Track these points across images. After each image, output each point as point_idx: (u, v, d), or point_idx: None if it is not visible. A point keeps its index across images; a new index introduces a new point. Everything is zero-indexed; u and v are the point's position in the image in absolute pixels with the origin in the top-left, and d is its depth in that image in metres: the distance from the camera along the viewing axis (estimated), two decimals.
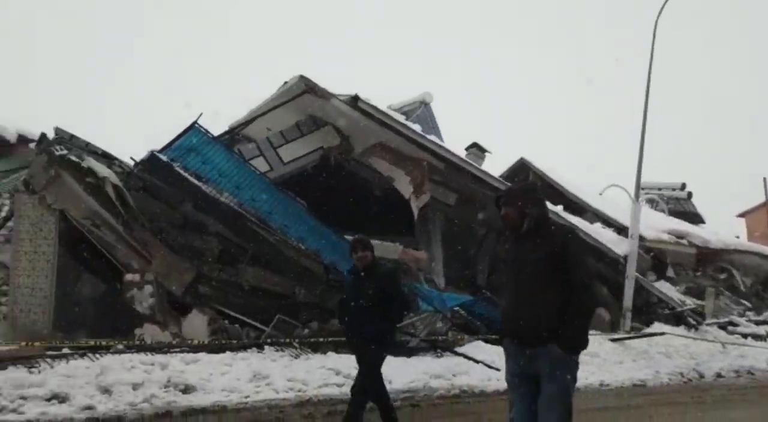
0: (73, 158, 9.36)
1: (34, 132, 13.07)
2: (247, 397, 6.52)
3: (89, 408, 5.66)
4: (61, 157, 9.24)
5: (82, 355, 7.40)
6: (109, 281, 10.37)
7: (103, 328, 10.10)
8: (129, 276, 9.64)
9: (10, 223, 10.82)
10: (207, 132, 9.75)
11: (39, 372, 6.51)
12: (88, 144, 10.31)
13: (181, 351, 8.27)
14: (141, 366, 6.67)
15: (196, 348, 8.45)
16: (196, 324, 9.26)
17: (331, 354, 8.60)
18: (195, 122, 9.70)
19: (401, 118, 12.42)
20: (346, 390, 7.13)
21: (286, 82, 11.16)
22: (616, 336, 11.02)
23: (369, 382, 5.11)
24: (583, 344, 3.64)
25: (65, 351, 7.64)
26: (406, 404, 6.49)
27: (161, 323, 9.56)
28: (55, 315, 9.63)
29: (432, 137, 12.95)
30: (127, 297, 9.58)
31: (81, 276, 10.16)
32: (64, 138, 10.10)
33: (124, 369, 6.49)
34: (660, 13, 14.44)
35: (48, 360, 6.96)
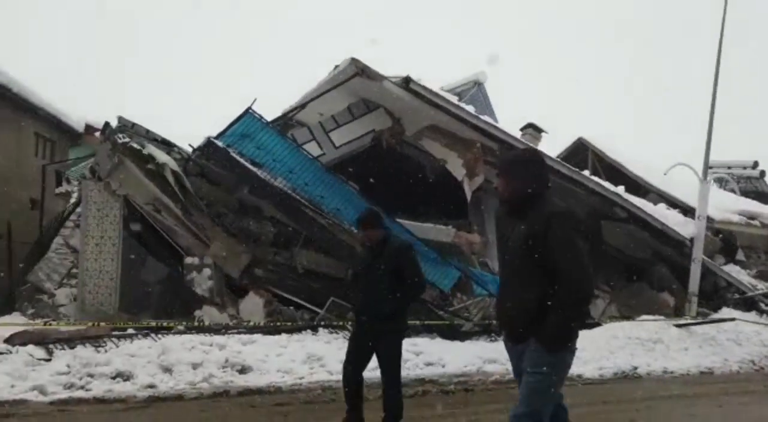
0: (135, 145, 9.68)
1: (99, 120, 13.60)
2: (301, 378, 6.62)
3: (151, 386, 5.88)
4: (123, 145, 9.56)
5: (145, 336, 7.70)
6: (171, 264, 10.74)
7: (165, 310, 10.52)
8: (188, 260, 9.94)
9: (78, 209, 11.35)
10: (261, 117, 9.85)
11: (105, 351, 6.80)
12: (148, 131, 10.63)
13: (238, 333, 8.49)
14: (200, 346, 6.87)
15: (252, 330, 8.65)
16: (253, 306, 9.47)
17: None
18: (249, 108, 9.82)
19: (454, 99, 12.20)
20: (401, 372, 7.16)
21: (337, 66, 11.13)
22: (681, 321, 10.55)
23: (398, 374, 4.87)
24: (564, 340, 3.08)
25: (130, 331, 7.99)
26: (460, 388, 6.42)
27: (219, 305, 9.84)
28: (120, 297, 10.07)
29: (485, 118, 12.67)
30: (187, 280, 9.89)
31: (145, 260, 10.54)
32: (126, 126, 10.44)
33: (184, 349, 6.70)
34: None
35: (114, 339, 7.27)
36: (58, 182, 15.32)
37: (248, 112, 9.77)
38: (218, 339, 7.24)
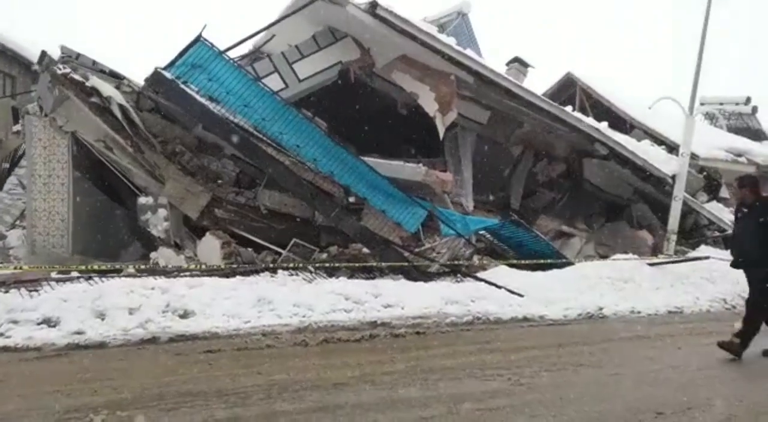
0: (77, 77, 8.98)
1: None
2: (247, 322, 6.29)
3: (79, 333, 5.53)
4: (63, 76, 8.87)
5: (88, 279, 7.32)
6: (128, 205, 10.27)
7: (123, 252, 10.14)
8: (142, 200, 9.45)
9: None
10: (213, 46, 9.12)
11: (39, 295, 6.42)
12: (95, 62, 9.90)
13: (191, 276, 8.13)
14: (141, 290, 6.49)
15: (207, 272, 8.29)
16: (210, 248, 9.06)
17: (343, 280, 8.28)
18: (200, 35, 9.08)
19: (431, 29, 11.41)
20: (354, 315, 6.86)
21: None
22: (654, 260, 10.27)
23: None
24: None
25: (74, 274, 7.60)
26: (411, 331, 6.12)
27: (176, 247, 9.44)
28: (74, 239, 9.65)
29: (467, 51, 11.92)
30: (142, 221, 9.44)
31: (98, 199, 10.06)
32: (70, 56, 9.70)
33: (122, 293, 6.32)
34: None
35: (51, 283, 6.88)
36: (15, 119, 14.60)
37: (199, 40, 9.03)
38: (162, 282, 6.87)
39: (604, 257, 11.63)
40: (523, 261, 9.71)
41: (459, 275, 9.12)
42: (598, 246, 12.71)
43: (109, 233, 10.13)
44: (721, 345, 5.61)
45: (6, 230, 10.39)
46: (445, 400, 3.86)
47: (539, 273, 9.34)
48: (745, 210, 5.81)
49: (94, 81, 9.21)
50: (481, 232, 10.47)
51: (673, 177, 12.72)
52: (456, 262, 9.48)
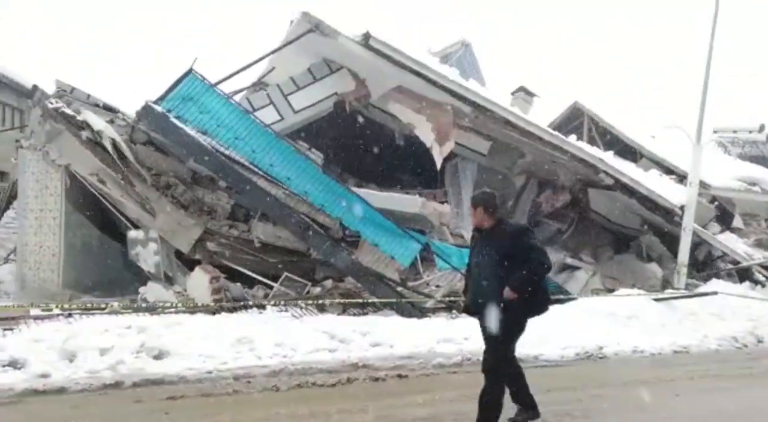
0: (68, 111, 8.97)
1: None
2: (224, 363, 6.03)
3: (44, 375, 5.32)
4: (55, 110, 8.86)
5: (68, 316, 7.14)
6: (120, 239, 10.15)
7: (112, 286, 9.98)
8: (132, 234, 9.33)
9: None
10: (204, 79, 9.09)
11: (13, 334, 6.24)
12: (89, 96, 9.92)
13: (176, 312, 7.93)
14: (115, 329, 6.29)
15: (192, 309, 8.09)
16: (199, 282, 8.87)
17: (333, 317, 8.01)
18: (191, 69, 9.07)
19: (428, 59, 11.34)
20: (338, 356, 6.58)
21: (292, 21, 10.28)
22: (661, 295, 9.85)
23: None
24: None
25: (55, 311, 7.43)
26: (393, 374, 5.80)
27: (166, 281, 9.27)
28: (65, 273, 9.53)
29: (469, 81, 11.80)
30: (132, 255, 9.30)
31: (91, 233, 9.97)
32: (64, 90, 9.73)
33: (95, 332, 6.12)
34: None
35: (27, 322, 6.71)
36: None
37: (190, 73, 9.00)
38: (140, 320, 6.66)
39: (611, 290, 11.21)
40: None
41: (454, 311, 8.79)
42: (605, 280, 12.30)
43: (101, 267, 10.00)
44: None
45: None
46: None
47: None
48: (481, 236, 4.53)
49: (86, 115, 9.20)
50: None
51: (682, 207, 12.32)
52: (452, 298, 9.16)
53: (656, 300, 9.47)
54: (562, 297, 9.53)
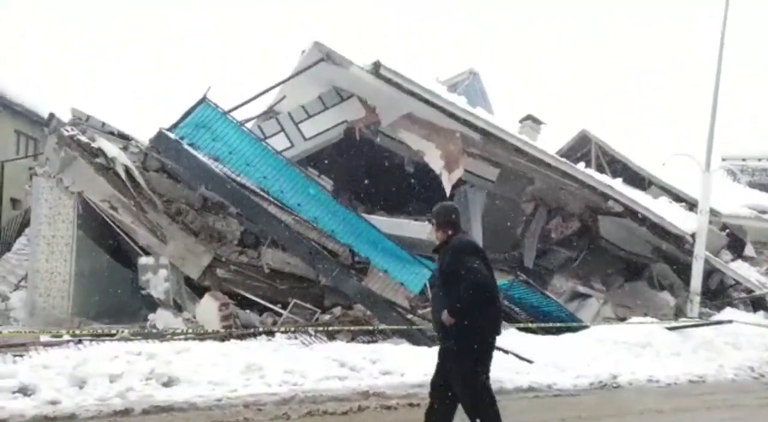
0: (83, 138, 9.10)
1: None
2: (233, 391, 5.97)
3: (54, 402, 5.28)
4: (70, 137, 8.99)
5: (77, 343, 7.12)
6: (131, 265, 10.18)
7: (121, 313, 9.97)
8: (143, 260, 9.35)
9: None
10: (217, 106, 9.21)
11: (23, 360, 6.22)
12: (104, 124, 10.07)
13: (185, 339, 7.89)
14: (125, 356, 6.25)
15: (201, 336, 8.04)
16: (208, 309, 8.83)
17: (342, 344, 7.95)
18: (204, 96, 9.19)
19: (437, 87, 11.46)
20: (348, 384, 6.50)
21: (304, 51, 10.45)
22: (674, 323, 9.73)
23: None
24: None
25: (65, 338, 7.41)
26: (404, 403, 5.73)
27: (175, 308, 9.25)
28: (74, 300, 9.53)
29: (477, 109, 11.90)
30: (143, 282, 9.30)
31: (101, 259, 10.00)
32: (79, 119, 9.88)
33: (105, 359, 6.08)
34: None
35: (37, 348, 6.69)
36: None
37: (204, 101, 9.13)
38: (149, 347, 6.63)
39: (623, 319, 11.09)
40: (534, 325, 9.27)
41: None
42: (616, 308, 12.17)
43: (111, 294, 9.99)
44: None
45: (9, 291, 10.34)
46: None
47: (551, 338, 8.87)
48: (438, 256, 4.17)
49: (101, 142, 9.33)
50: None
51: (693, 235, 12.24)
52: None
53: (670, 328, 9.35)
54: (574, 325, 9.43)
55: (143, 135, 10.75)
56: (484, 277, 3.87)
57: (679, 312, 11.91)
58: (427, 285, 10.10)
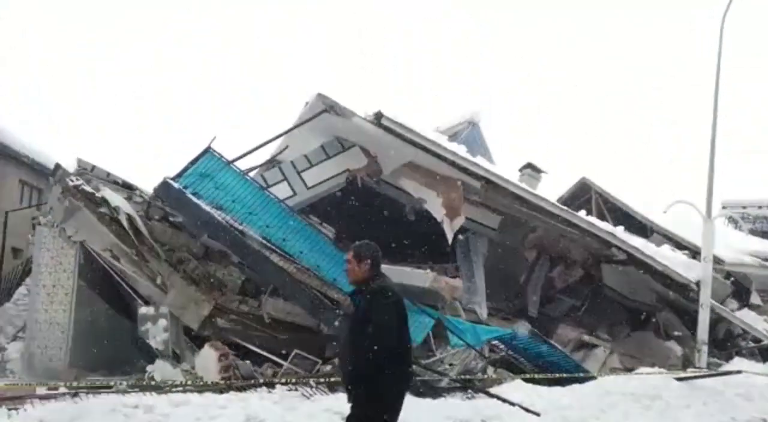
0: (88, 188, 9.19)
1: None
2: None
3: None
4: (75, 187, 9.08)
5: (74, 396, 6.97)
6: (129, 315, 10.09)
7: (120, 364, 9.80)
8: (143, 310, 9.26)
9: None
10: (221, 156, 9.34)
11: (18, 413, 6.08)
12: (109, 174, 10.19)
13: (184, 391, 7.73)
14: (122, 409, 6.14)
15: (200, 388, 7.88)
16: (207, 360, 8.69)
17: (343, 396, 7.74)
18: (209, 146, 9.34)
19: (437, 137, 11.64)
20: None
21: (307, 103, 10.68)
22: (683, 374, 9.54)
23: None
24: None
25: (62, 390, 7.27)
26: None
27: (174, 359, 9.10)
28: (72, 351, 9.40)
29: (477, 158, 12.06)
30: (141, 332, 9.19)
31: (101, 310, 9.91)
32: (85, 169, 10.01)
33: (101, 412, 5.95)
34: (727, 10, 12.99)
35: (33, 401, 6.54)
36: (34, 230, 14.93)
37: (208, 151, 9.27)
38: (147, 399, 6.50)
39: (629, 369, 10.89)
40: (540, 376, 9.09)
41: (470, 390, 8.52)
42: (623, 358, 11.96)
43: (110, 345, 9.85)
44: None
45: (7, 342, 10.21)
46: None
47: (558, 389, 8.68)
48: (351, 301, 3.96)
49: (105, 192, 9.41)
50: (495, 343, 9.93)
51: (698, 283, 12.15)
52: (467, 376, 8.90)
53: (678, 379, 9.16)
54: (581, 375, 9.26)
55: (147, 184, 10.88)
56: (390, 338, 3.57)
57: (686, 362, 11.69)
58: (430, 334, 9.97)
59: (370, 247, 3.96)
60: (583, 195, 21.66)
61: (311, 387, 8.40)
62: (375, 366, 3.50)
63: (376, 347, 3.48)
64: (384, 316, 3.59)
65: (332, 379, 8.59)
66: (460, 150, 11.68)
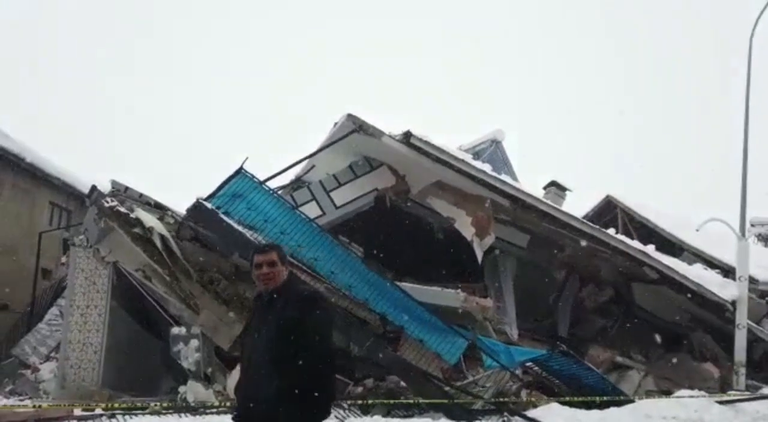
0: (122, 209, 9.29)
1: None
2: None
3: None
4: (110, 209, 9.18)
5: (111, 417, 6.97)
6: (157, 334, 10.12)
7: (148, 384, 9.81)
8: (175, 330, 9.28)
9: None
10: (253, 177, 9.40)
11: None
12: (141, 195, 10.29)
13: (218, 413, 7.71)
14: None
15: (230, 410, 7.83)
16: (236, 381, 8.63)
17: (378, 418, 7.67)
18: (241, 167, 9.41)
19: (465, 156, 11.62)
20: None
21: (336, 123, 10.74)
22: (725, 397, 9.26)
23: None
24: None
25: (98, 411, 7.28)
26: None
27: (206, 380, 9.07)
28: (105, 371, 9.43)
29: (502, 176, 12.00)
30: (173, 352, 9.19)
31: (131, 330, 9.96)
32: (118, 190, 10.13)
33: None
34: (756, 24, 12.91)
35: (74, 421, 6.55)
36: (65, 251, 15.12)
37: (240, 172, 9.33)
38: (181, 421, 6.43)
39: (666, 392, 10.60)
40: (576, 399, 8.88)
41: (506, 413, 8.35)
42: (658, 380, 11.66)
43: (142, 365, 9.91)
44: None
45: (40, 362, 10.28)
46: None
47: (596, 412, 8.46)
48: (262, 304, 3.30)
49: (139, 213, 9.50)
50: (528, 364, 9.75)
51: (733, 303, 11.86)
52: (502, 399, 8.73)
53: (720, 402, 8.88)
54: (619, 398, 9.03)
55: (179, 205, 10.97)
56: (333, 353, 3.21)
57: (724, 385, 11.36)
58: (461, 355, 9.82)
59: (282, 246, 3.52)
60: (608, 213, 21.41)
61: (344, 409, 8.32)
62: (318, 383, 3.08)
63: (320, 363, 3.10)
64: (327, 329, 3.23)
65: (366, 402, 8.51)
66: (486, 168, 11.65)
